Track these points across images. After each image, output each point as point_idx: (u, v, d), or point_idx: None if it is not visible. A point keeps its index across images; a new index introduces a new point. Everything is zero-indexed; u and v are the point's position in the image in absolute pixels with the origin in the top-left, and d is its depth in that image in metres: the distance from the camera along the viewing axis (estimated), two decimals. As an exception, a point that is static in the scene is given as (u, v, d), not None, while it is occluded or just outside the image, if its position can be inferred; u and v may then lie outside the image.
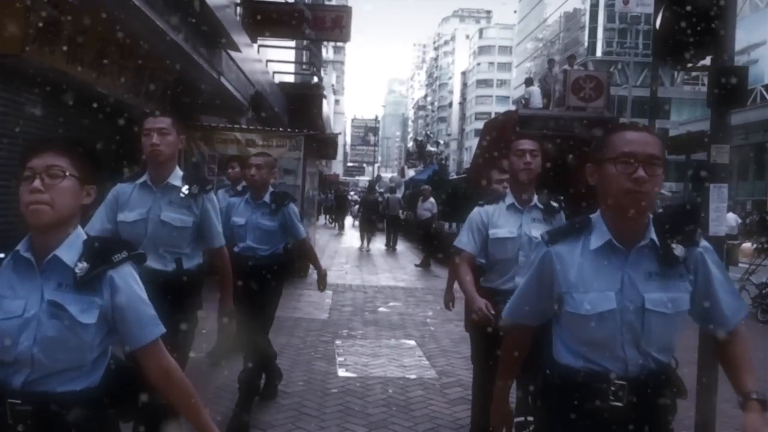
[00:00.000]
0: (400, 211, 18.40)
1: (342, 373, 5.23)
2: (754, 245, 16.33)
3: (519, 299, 1.85)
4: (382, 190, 24.13)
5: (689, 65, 3.54)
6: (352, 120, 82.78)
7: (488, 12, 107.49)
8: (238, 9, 12.42)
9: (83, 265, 1.55)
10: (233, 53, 8.70)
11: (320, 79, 20.48)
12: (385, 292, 9.86)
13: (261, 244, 4.07)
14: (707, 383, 3.50)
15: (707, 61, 3.62)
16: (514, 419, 2.22)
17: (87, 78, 5.61)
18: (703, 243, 1.67)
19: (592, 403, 1.63)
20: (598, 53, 50.74)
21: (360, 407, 4.39)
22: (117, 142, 5.55)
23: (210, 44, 7.58)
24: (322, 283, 4.42)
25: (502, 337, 1.96)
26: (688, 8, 3.37)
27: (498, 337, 2.03)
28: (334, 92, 57.13)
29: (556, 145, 6.99)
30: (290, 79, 17.88)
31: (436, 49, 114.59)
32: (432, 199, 14.17)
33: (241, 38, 8.94)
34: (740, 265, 13.80)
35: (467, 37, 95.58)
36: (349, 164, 71.13)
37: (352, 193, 37.07)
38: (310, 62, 19.16)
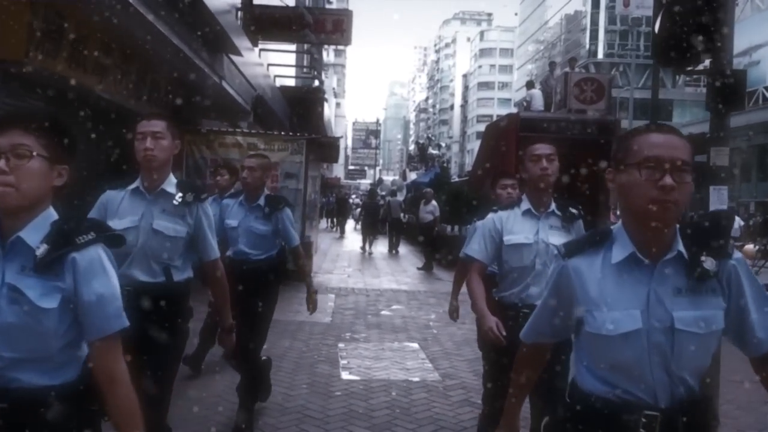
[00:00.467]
0: (402, 214, 18.44)
1: (345, 376, 5.24)
2: (757, 247, 16.38)
3: (537, 319, 1.72)
4: (383, 193, 24.16)
5: (688, 69, 3.56)
6: (354, 123, 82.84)
7: (489, 14, 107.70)
8: (239, 13, 12.47)
9: (44, 247, 1.44)
10: (235, 57, 8.73)
11: (321, 82, 20.52)
12: (387, 295, 9.86)
13: (253, 249, 3.95)
14: (710, 384, 3.50)
15: (707, 63, 3.66)
16: None
17: (89, 83, 5.65)
18: (737, 255, 1.53)
19: None
20: (600, 55, 50.78)
21: (363, 410, 4.40)
22: (120, 147, 5.58)
23: (212, 48, 7.61)
24: (311, 303, 4.05)
25: (515, 354, 1.84)
26: (687, 12, 3.39)
27: (513, 356, 1.92)
28: (335, 95, 57.26)
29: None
30: (291, 82, 17.97)
31: (437, 51, 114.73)
32: (434, 202, 14.19)
33: (242, 42, 8.98)
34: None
35: (468, 39, 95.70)
36: (351, 167, 71.20)
37: (353, 196, 37.13)
38: (311, 66, 19.22)
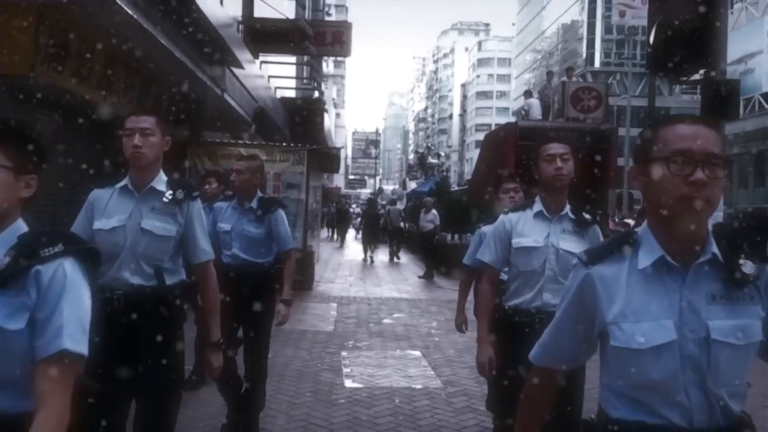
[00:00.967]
0: (402, 223, 18.52)
1: (349, 383, 5.29)
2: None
3: (552, 338, 1.51)
4: (384, 202, 24.25)
5: (683, 79, 3.64)
6: (353, 133, 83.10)
7: (487, 25, 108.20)
8: (240, 26, 12.60)
9: (5, 260, 1.32)
10: (236, 70, 8.84)
11: (321, 93, 20.67)
12: (389, 303, 9.91)
13: (248, 253, 3.82)
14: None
15: (701, 73, 3.75)
16: None
17: (94, 96, 5.73)
18: None
19: None
20: (597, 64, 51.05)
21: (367, 417, 4.45)
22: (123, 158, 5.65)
23: (214, 61, 7.71)
24: (281, 312, 3.82)
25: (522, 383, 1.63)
26: (681, 24, 3.48)
27: (519, 381, 1.74)
28: (335, 106, 57.47)
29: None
30: (292, 94, 18.09)
31: (435, 61, 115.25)
32: (434, 211, 14.27)
33: (243, 55, 9.09)
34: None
35: (466, 49, 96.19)
36: (351, 177, 71.37)
37: (354, 205, 37.20)
38: (312, 77, 19.36)
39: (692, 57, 3.48)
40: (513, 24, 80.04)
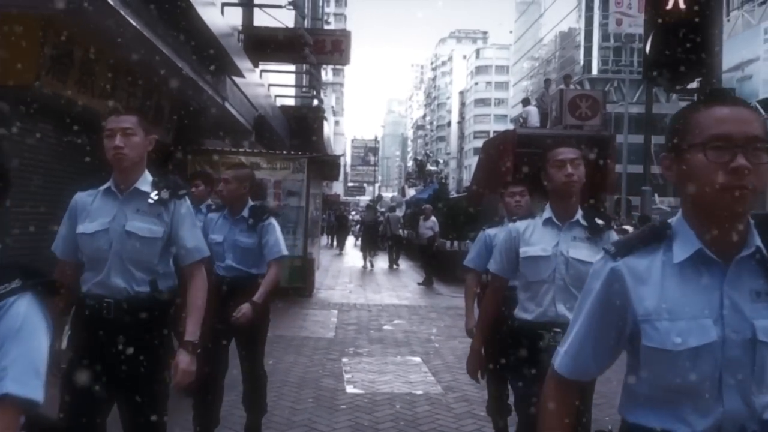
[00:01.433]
0: (401, 230, 18.57)
1: (350, 389, 5.32)
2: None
3: (580, 345, 1.36)
4: (383, 209, 24.31)
5: (679, 87, 3.70)
6: (352, 140, 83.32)
7: (484, 32, 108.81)
8: (241, 36, 12.70)
9: None
10: (237, 78, 8.91)
11: (321, 101, 20.75)
12: (389, 310, 9.94)
13: (242, 264, 3.73)
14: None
15: (698, 81, 3.81)
16: None
17: (97, 106, 5.79)
18: None
19: None
20: (594, 71, 51.33)
21: (369, 423, 4.48)
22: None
23: (215, 70, 7.78)
24: (241, 311, 3.51)
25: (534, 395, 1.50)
26: (677, 32, 3.54)
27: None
28: (334, 113, 57.68)
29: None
30: (292, 102, 18.19)
31: (433, 69, 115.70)
32: (433, 218, 14.32)
33: (244, 64, 9.17)
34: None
35: (464, 57, 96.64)
36: (350, 184, 71.44)
37: (353, 213, 37.24)
38: (311, 85, 19.46)
39: (688, 65, 3.54)
40: (510, 32, 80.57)
